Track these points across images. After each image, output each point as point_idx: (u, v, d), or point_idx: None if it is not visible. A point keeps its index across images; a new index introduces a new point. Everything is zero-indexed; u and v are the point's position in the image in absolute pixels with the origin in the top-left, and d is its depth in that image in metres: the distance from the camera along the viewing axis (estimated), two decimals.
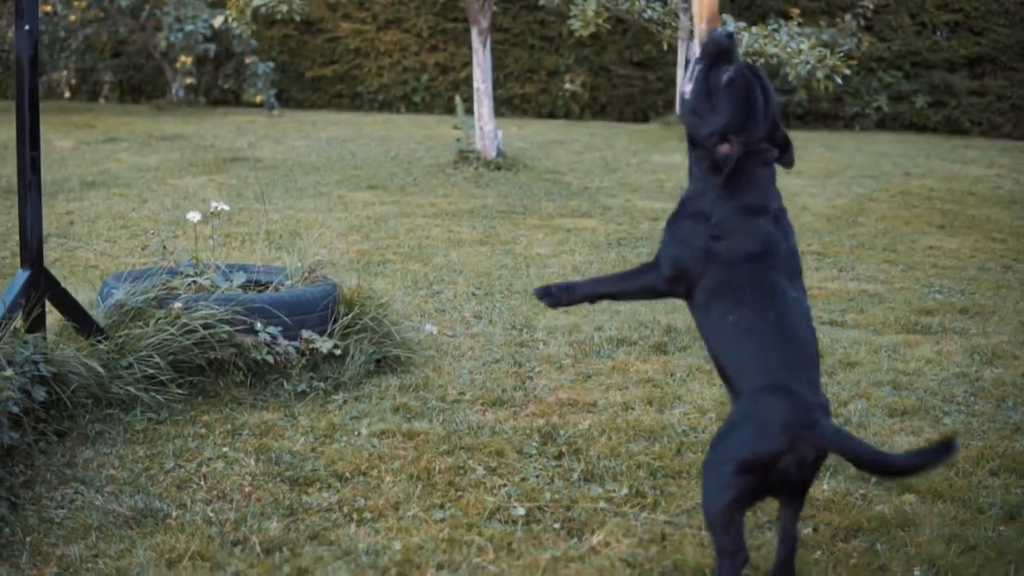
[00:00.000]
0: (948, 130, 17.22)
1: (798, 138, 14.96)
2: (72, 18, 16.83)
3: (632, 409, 4.69)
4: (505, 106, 17.75)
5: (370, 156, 12.31)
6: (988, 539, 3.54)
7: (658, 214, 9.11)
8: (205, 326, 4.62)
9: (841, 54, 9.37)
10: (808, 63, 9.12)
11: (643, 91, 18.06)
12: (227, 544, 3.39)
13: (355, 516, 3.61)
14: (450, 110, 16.40)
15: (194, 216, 5.20)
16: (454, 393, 4.81)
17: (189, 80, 17.79)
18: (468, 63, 16.61)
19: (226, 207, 5.50)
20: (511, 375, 5.09)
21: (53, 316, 4.59)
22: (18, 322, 4.23)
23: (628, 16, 9.88)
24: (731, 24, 9.42)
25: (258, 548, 3.37)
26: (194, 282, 4.98)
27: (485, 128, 11.40)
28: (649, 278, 3.30)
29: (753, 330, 3.10)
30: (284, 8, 10.25)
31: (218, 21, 15.44)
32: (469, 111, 11.81)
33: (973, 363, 5.43)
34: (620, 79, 18.09)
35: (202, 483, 3.82)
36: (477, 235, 8.23)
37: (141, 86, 18.89)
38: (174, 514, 3.57)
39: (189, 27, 16.11)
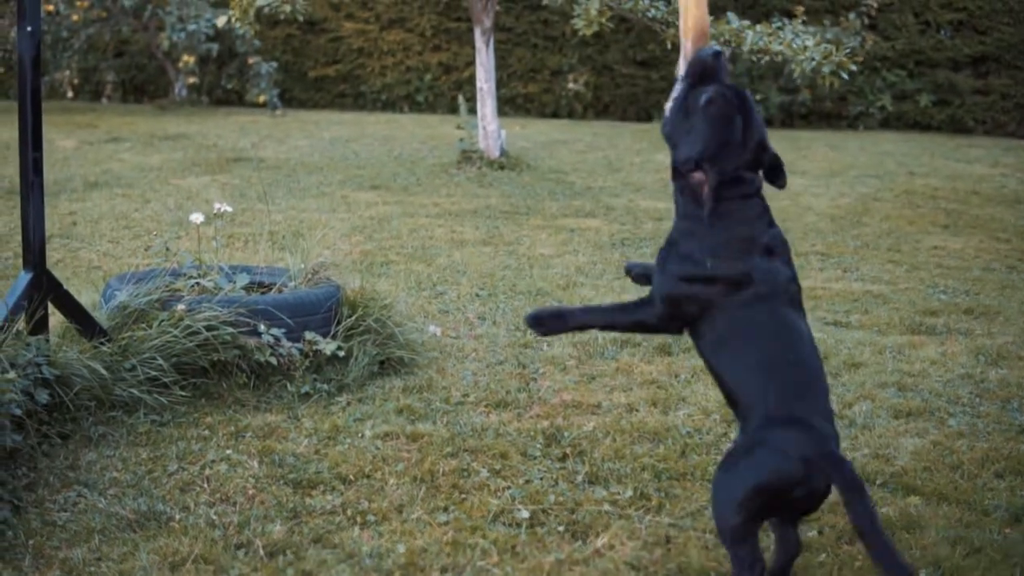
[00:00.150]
0: (952, 129, 17.19)
1: (802, 137, 15.03)
2: (75, 18, 16.83)
3: (636, 411, 4.68)
4: (508, 105, 17.73)
5: (373, 156, 12.31)
6: (993, 541, 3.53)
7: (662, 214, 9.09)
8: (208, 328, 4.62)
9: (848, 50, 9.34)
10: (814, 60, 9.10)
11: (646, 90, 18.04)
12: (231, 547, 3.38)
13: (359, 519, 3.60)
14: (453, 110, 16.39)
15: (197, 217, 5.19)
16: (458, 395, 4.81)
17: (192, 80, 17.79)
18: (471, 63, 16.60)
19: (229, 208, 5.49)
20: (515, 377, 5.08)
21: (56, 318, 4.59)
22: (21, 324, 4.22)
23: (631, 15, 9.86)
24: (734, 22, 9.40)
25: (262, 551, 3.36)
26: (197, 284, 4.97)
27: (488, 128, 11.39)
28: (644, 314, 3.24)
29: (767, 365, 3.09)
30: (287, 8, 10.24)
31: (221, 21, 15.43)
32: (472, 111, 11.80)
33: (978, 364, 5.41)
34: (623, 78, 18.08)
35: (205, 486, 3.81)
36: (480, 235, 8.22)
37: (144, 86, 18.89)
38: (177, 517, 3.56)
39: (192, 27, 16.10)
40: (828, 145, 14.46)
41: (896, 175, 11.95)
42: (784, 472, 2.94)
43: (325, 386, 4.75)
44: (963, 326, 6.11)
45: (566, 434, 4.35)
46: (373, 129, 14.98)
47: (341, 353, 4.89)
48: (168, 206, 8.91)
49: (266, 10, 10.43)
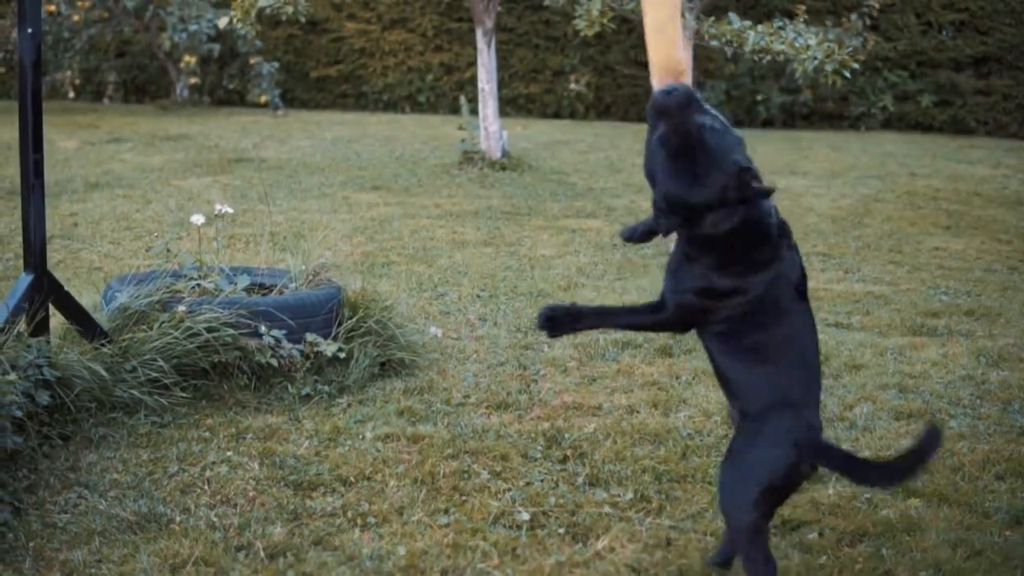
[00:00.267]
0: (954, 130, 17.17)
1: (803, 138, 15.03)
2: (76, 18, 16.82)
3: (637, 412, 4.68)
4: (510, 106, 17.72)
5: (375, 156, 12.31)
6: (994, 544, 3.53)
7: None
8: (209, 329, 4.62)
9: (850, 49, 9.33)
10: (816, 59, 9.09)
11: (648, 91, 18.00)
12: (231, 549, 3.38)
13: (359, 521, 3.60)
14: (455, 110, 16.39)
15: (198, 219, 5.19)
16: (459, 396, 4.80)
17: (193, 80, 17.79)
18: (473, 63, 16.60)
19: (230, 210, 5.49)
20: (516, 378, 5.08)
21: (57, 319, 4.59)
22: (22, 326, 4.23)
23: (633, 16, 9.85)
24: (736, 22, 9.39)
25: (262, 553, 3.36)
26: (198, 285, 4.97)
27: (490, 128, 11.38)
28: (657, 319, 3.24)
29: (769, 358, 3.11)
30: (289, 9, 10.24)
31: (223, 22, 15.43)
32: (474, 111, 11.79)
33: (979, 366, 5.41)
34: (625, 79, 18.08)
35: (206, 487, 3.81)
36: (482, 236, 8.22)
37: (145, 86, 18.89)
38: (178, 519, 3.56)
39: (193, 27, 16.10)
40: (830, 146, 14.45)
41: (898, 176, 11.95)
42: (791, 464, 3.02)
43: (326, 388, 4.75)
44: (964, 328, 6.10)
45: (567, 436, 4.35)
46: (375, 129, 14.98)
47: (342, 355, 4.89)
48: (169, 207, 8.91)
49: (268, 11, 10.42)
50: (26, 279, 4.29)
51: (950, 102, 17.32)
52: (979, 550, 3.48)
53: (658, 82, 3.37)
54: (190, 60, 17.08)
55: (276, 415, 4.51)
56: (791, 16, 11.51)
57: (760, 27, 9.43)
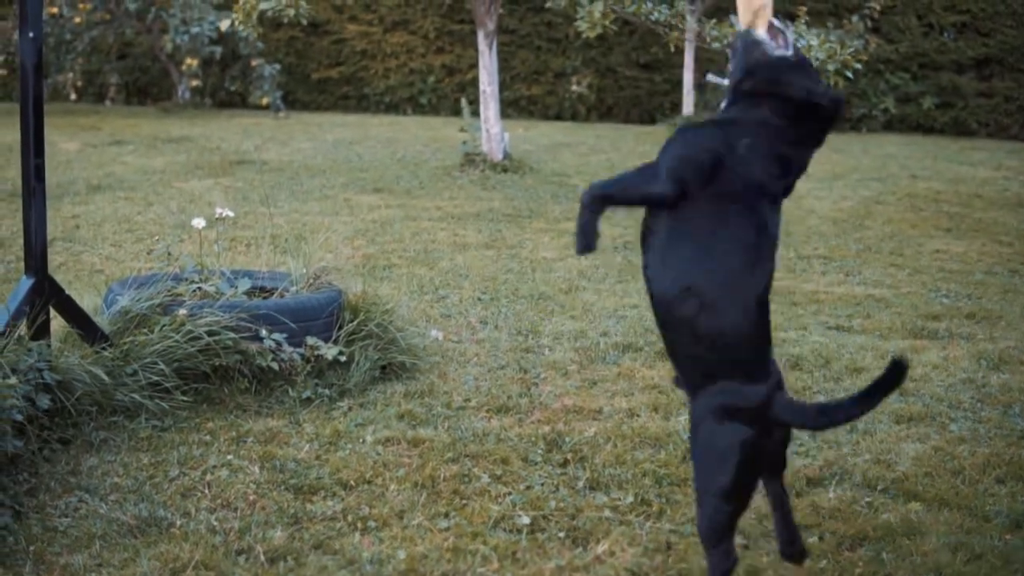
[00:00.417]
0: (955, 132, 17.18)
1: None
2: (78, 20, 16.84)
3: (638, 416, 4.68)
4: (512, 108, 17.74)
5: (376, 158, 12.32)
6: (994, 547, 3.53)
7: None
8: (210, 333, 4.62)
9: (852, 49, 9.33)
10: (818, 59, 9.09)
11: (650, 93, 18.04)
12: (231, 553, 3.38)
13: (359, 525, 3.60)
14: (456, 112, 16.40)
15: (199, 223, 5.20)
16: (459, 400, 4.81)
17: (195, 82, 17.81)
18: (474, 65, 16.60)
19: (230, 213, 5.50)
20: (516, 381, 5.08)
21: (58, 322, 4.60)
22: (22, 329, 4.23)
23: (635, 19, 9.87)
24: (738, 24, 9.39)
25: (262, 557, 3.37)
26: (199, 288, 4.98)
27: (491, 130, 11.39)
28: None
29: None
30: (291, 12, 10.24)
31: (224, 25, 15.44)
32: (475, 113, 11.80)
33: (980, 369, 5.41)
34: (627, 81, 18.08)
35: (206, 491, 3.82)
36: (483, 239, 8.23)
37: (147, 88, 18.92)
38: (178, 523, 3.56)
39: (195, 29, 16.12)
40: (831, 147, 14.43)
41: (899, 178, 11.95)
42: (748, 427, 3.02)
43: (326, 391, 4.76)
44: (965, 330, 6.10)
45: (567, 439, 4.35)
46: (376, 131, 14.99)
47: (343, 358, 4.89)
48: (171, 209, 8.92)
49: (269, 13, 10.43)
50: (27, 283, 4.30)
51: (951, 104, 17.32)
52: (979, 554, 3.48)
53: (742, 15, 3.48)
54: (192, 62, 17.10)
55: (277, 419, 4.51)
56: (792, 18, 11.51)
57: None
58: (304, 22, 10.64)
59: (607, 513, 3.74)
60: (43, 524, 3.52)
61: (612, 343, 5.65)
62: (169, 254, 5.37)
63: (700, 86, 16.03)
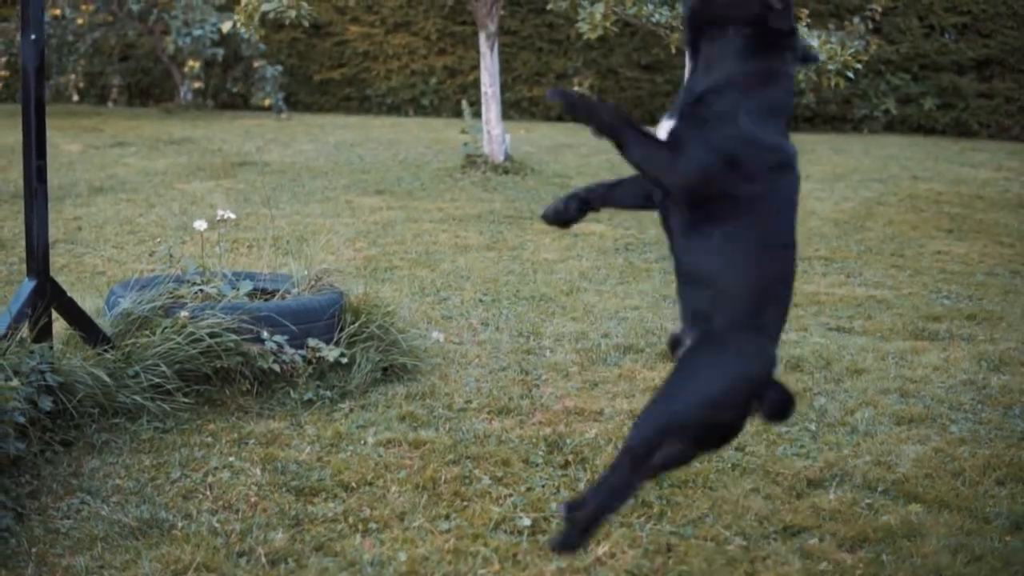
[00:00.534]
0: (956, 133, 17.18)
1: (806, 141, 15.02)
2: (80, 22, 16.86)
3: None
4: (513, 109, 17.75)
5: (378, 160, 12.32)
6: (994, 549, 3.53)
7: None
8: (211, 335, 4.63)
9: (852, 50, 9.33)
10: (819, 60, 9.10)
11: (651, 94, 18.04)
12: (233, 555, 3.39)
13: (361, 527, 3.61)
14: (458, 113, 16.40)
15: (200, 225, 5.20)
16: (460, 401, 4.81)
17: (197, 84, 17.82)
18: (476, 66, 16.61)
19: (232, 215, 5.50)
20: (518, 383, 5.09)
21: (60, 324, 4.60)
22: (24, 331, 4.24)
23: (636, 20, 9.88)
24: None
25: (264, 559, 3.37)
26: (201, 290, 4.98)
27: (493, 132, 11.40)
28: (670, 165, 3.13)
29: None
30: (293, 13, 10.26)
31: (226, 27, 15.43)
32: (477, 115, 11.81)
33: (980, 370, 5.41)
34: (628, 82, 18.09)
35: (208, 493, 3.82)
36: (484, 240, 8.23)
37: (149, 90, 18.93)
38: (180, 524, 3.57)
39: (197, 31, 16.13)
40: (832, 148, 14.45)
41: (900, 179, 11.95)
42: (751, 381, 3.06)
43: (328, 393, 4.76)
44: (966, 332, 6.10)
45: (568, 441, 4.36)
46: (378, 133, 15.00)
47: (344, 360, 4.90)
48: (173, 211, 8.93)
49: (271, 15, 10.44)
50: (29, 284, 4.31)
51: (952, 105, 17.32)
52: (979, 555, 3.48)
53: None
54: (194, 64, 17.11)
55: (278, 420, 4.52)
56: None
57: None
58: (306, 24, 10.65)
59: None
60: (45, 526, 3.53)
61: (613, 344, 5.66)
62: (171, 256, 5.38)
63: None
